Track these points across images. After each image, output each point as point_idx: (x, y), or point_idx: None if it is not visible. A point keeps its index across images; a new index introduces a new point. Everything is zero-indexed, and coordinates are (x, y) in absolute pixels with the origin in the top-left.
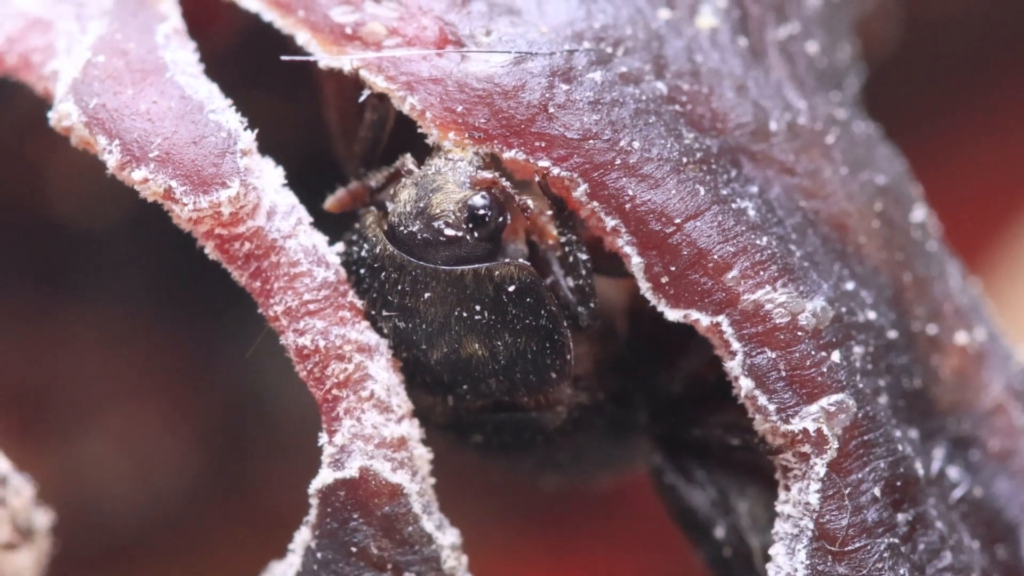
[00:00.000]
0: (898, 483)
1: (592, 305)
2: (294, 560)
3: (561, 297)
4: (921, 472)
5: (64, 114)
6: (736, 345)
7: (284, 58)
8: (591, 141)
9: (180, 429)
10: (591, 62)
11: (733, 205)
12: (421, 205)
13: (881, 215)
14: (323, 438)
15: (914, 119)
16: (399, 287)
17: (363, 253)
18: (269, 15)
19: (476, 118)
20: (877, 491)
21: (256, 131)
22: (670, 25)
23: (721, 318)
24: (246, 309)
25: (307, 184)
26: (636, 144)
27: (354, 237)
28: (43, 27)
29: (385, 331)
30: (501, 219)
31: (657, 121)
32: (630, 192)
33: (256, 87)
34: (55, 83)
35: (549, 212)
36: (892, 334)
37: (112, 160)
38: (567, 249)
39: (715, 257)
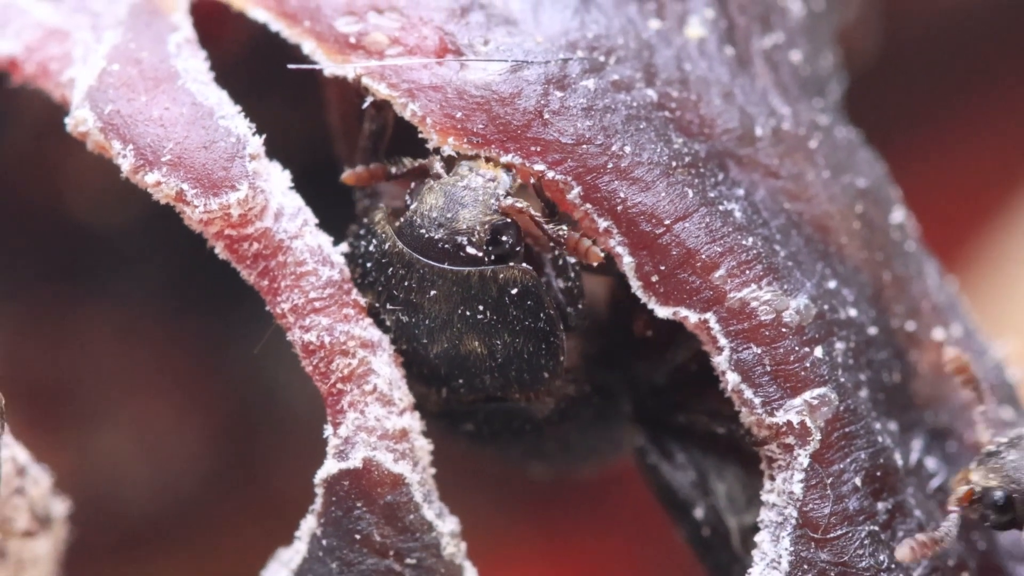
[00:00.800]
0: (878, 473)
1: (580, 306)
2: (300, 547)
3: (552, 297)
4: (900, 463)
5: (80, 120)
6: (723, 341)
7: (291, 67)
8: (584, 146)
9: (192, 421)
10: (584, 70)
11: (720, 207)
12: (448, 216)
13: (862, 216)
14: (328, 430)
15: (893, 125)
16: (406, 283)
17: (371, 248)
18: (277, 25)
19: (474, 124)
20: (858, 481)
21: (264, 136)
22: (660, 35)
23: (709, 315)
24: (254, 307)
25: (313, 187)
26: (627, 149)
27: (362, 231)
28: (60, 37)
29: (388, 323)
30: (519, 247)
31: (647, 127)
32: (622, 194)
33: (264, 94)
34: (72, 90)
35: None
36: (872, 330)
37: (126, 164)
38: (556, 253)
39: (703, 257)
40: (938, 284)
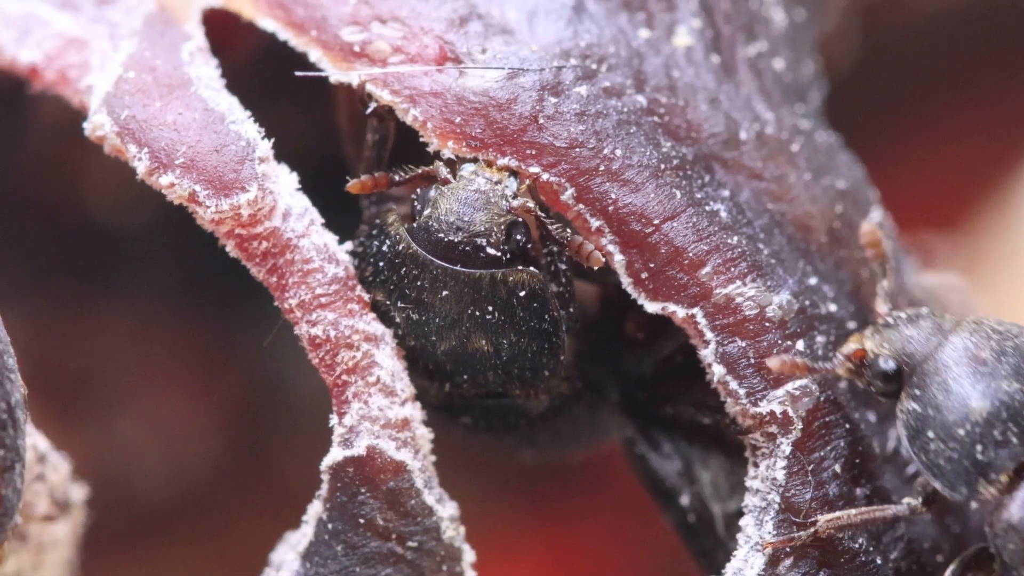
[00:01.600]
0: (857, 460)
1: (572, 309)
2: (307, 530)
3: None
4: (877, 450)
5: (98, 124)
6: (709, 335)
7: (298, 74)
8: (577, 149)
9: (204, 411)
10: (577, 77)
11: (707, 207)
12: (465, 220)
13: (841, 216)
14: (333, 419)
15: (871, 129)
16: (418, 283)
17: (383, 248)
18: (285, 34)
19: (473, 128)
20: (838, 468)
21: (272, 140)
22: (649, 44)
23: (696, 310)
24: (263, 302)
25: (319, 188)
26: (618, 152)
27: (374, 232)
28: (79, 46)
29: (398, 320)
30: (530, 245)
31: (637, 131)
32: (613, 195)
33: (273, 100)
34: (90, 96)
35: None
36: (852, 325)
37: (141, 166)
38: (548, 259)
39: (690, 255)
40: (914, 280)
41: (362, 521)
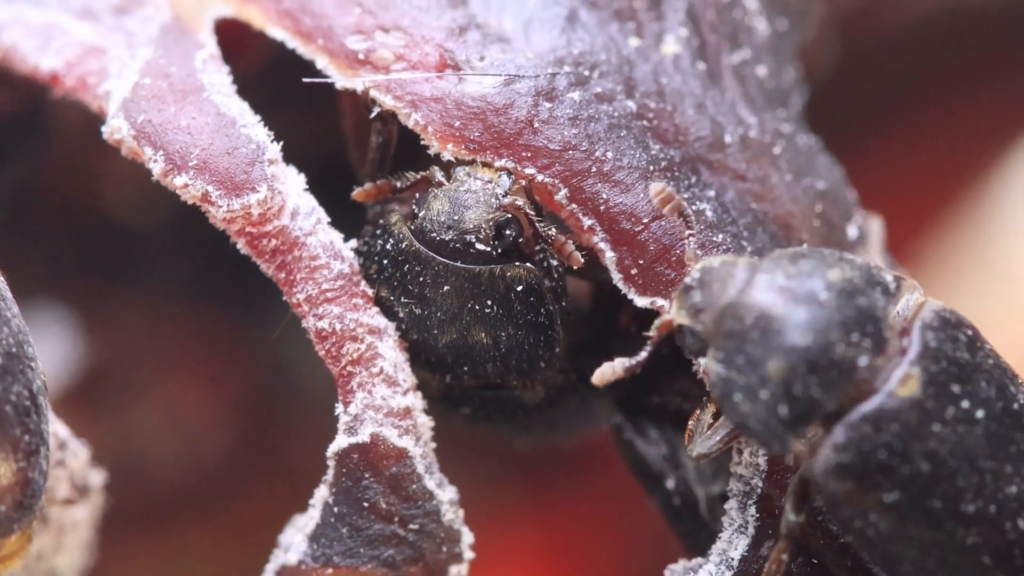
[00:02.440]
0: None
1: (563, 304)
2: (314, 513)
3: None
4: None
5: (115, 128)
6: None
7: (306, 80)
8: (570, 152)
9: (217, 401)
10: (571, 83)
11: (693, 207)
12: (456, 218)
13: (821, 215)
14: (339, 408)
15: (850, 133)
16: (421, 279)
17: (388, 246)
18: (293, 43)
19: (471, 132)
20: None
21: (281, 143)
22: (639, 51)
23: None
24: (272, 297)
25: (325, 188)
26: (609, 154)
27: (378, 231)
28: (97, 53)
29: (401, 315)
30: (521, 239)
31: (628, 134)
32: (604, 196)
33: (282, 105)
34: (108, 101)
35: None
36: None
37: (157, 168)
38: (540, 256)
39: (678, 252)
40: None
41: (366, 505)
